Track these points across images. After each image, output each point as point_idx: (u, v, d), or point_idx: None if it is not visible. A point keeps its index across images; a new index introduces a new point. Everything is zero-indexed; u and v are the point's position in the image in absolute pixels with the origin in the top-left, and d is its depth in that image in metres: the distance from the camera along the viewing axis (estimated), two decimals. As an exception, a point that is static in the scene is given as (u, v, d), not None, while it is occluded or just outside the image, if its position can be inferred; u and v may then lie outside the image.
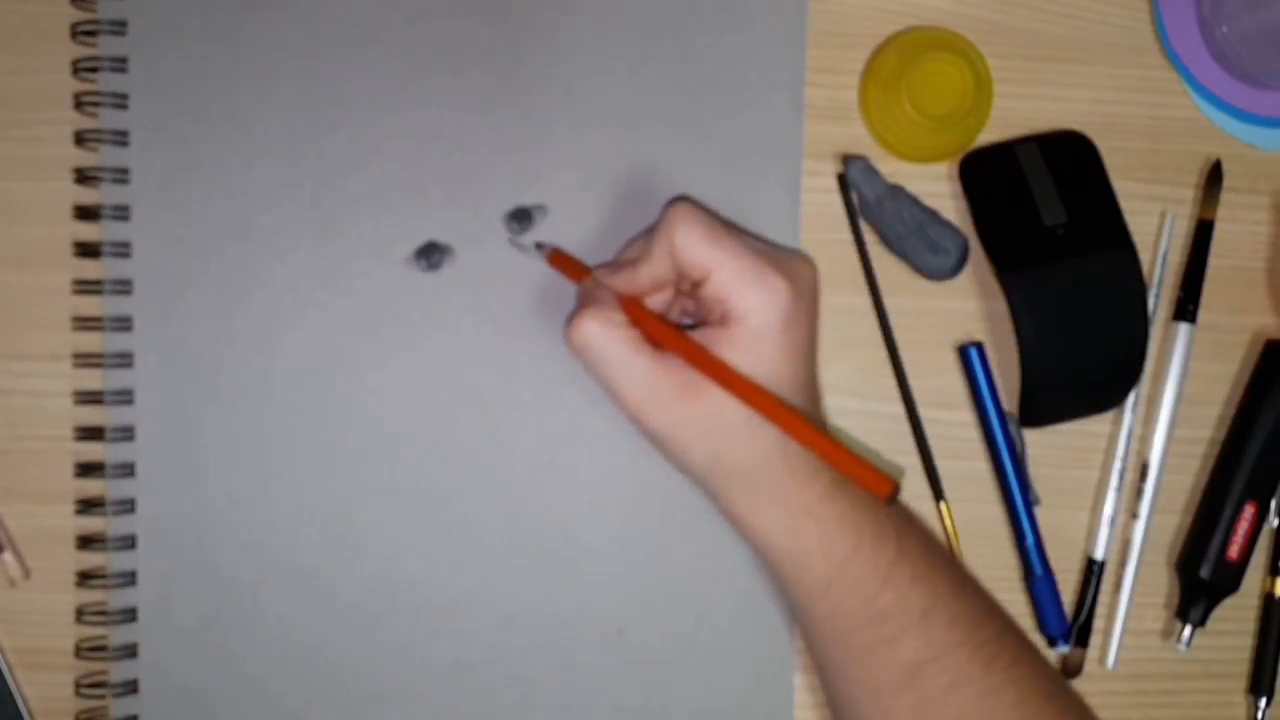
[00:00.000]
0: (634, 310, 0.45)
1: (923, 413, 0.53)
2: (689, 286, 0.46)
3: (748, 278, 0.43)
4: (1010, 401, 0.53)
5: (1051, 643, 0.53)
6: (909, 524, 0.46)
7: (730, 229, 0.45)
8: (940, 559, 0.46)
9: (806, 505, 0.44)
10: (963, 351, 0.52)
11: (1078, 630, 0.53)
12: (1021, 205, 0.51)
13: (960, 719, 0.43)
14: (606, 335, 0.44)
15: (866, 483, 0.42)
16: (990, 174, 0.52)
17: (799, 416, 0.43)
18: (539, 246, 0.50)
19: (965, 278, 0.53)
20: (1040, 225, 0.50)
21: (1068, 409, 0.53)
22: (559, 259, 0.49)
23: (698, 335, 0.44)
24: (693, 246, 0.44)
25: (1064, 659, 0.53)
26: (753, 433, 0.43)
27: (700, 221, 0.44)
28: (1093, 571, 0.53)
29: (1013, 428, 0.52)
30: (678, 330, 0.45)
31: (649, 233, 0.46)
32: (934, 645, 0.44)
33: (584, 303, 0.46)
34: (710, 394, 0.43)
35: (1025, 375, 0.51)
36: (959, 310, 0.53)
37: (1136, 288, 0.51)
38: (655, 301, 0.47)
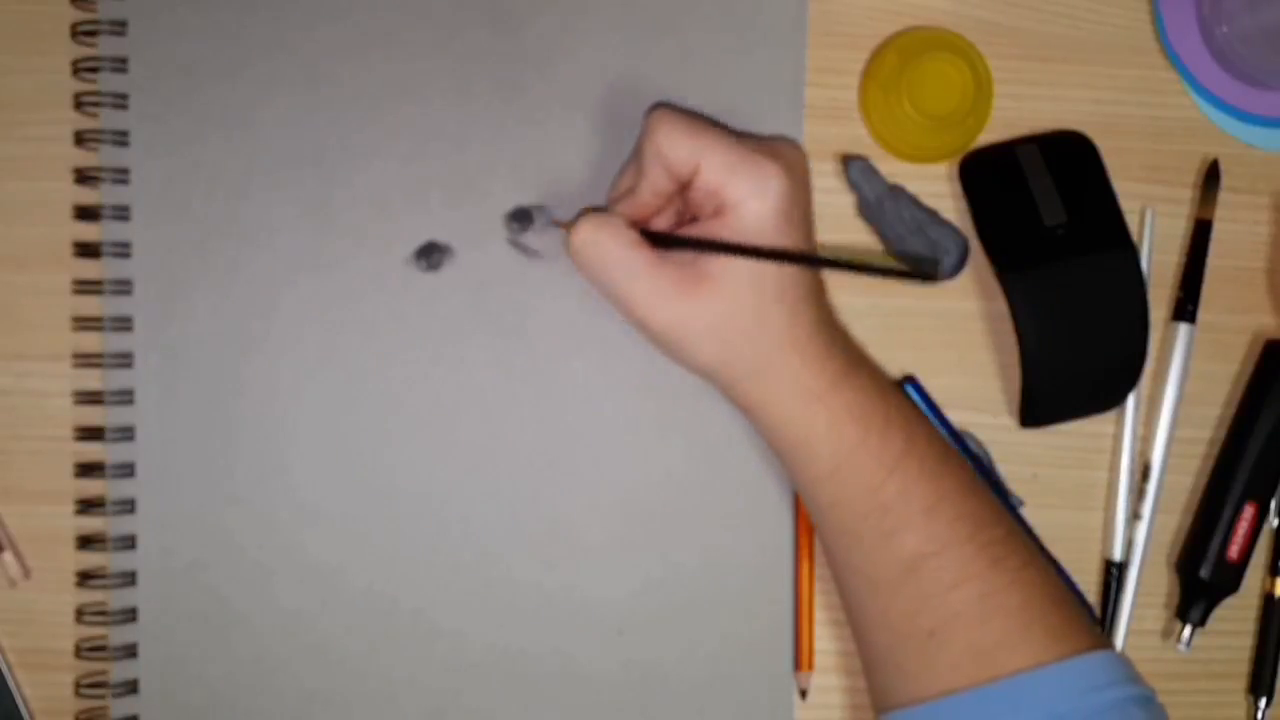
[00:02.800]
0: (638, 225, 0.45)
1: (923, 413, 0.53)
2: (681, 189, 0.46)
3: (737, 166, 0.43)
4: (1011, 402, 0.53)
5: None
6: (919, 422, 0.46)
7: (713, 123, 0.45)
8: (951, 459, 0.46)
9: (816, 392, 0.44)
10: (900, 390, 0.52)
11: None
12: (1021, 205, 0.50)
13: (959, 617, 0.43)
14: (606, 237, 0.44)
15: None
16: (990, 174, 0.52)
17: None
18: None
19: (965, 278, 0.53)
20: (1040, 225, 0.50)
21: (1068, 409, 0.53)
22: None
23: (695, 229, 0.44)
24: (676, 144, 0.43)
25: None
26: (760, 319, 0.43)
27: (680, 119, 0.44)
28: (1111, 575, 0.53)
29: (972, 444, 0.52)
30: (676, 234, 0.45)
31: (635, 155, 0.46)
32: (936, 540, 0.44)
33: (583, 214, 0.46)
34: (716, 283, 0.43)
35: (1025, 375, 0.51)
36: (959, 310, 0.53)
37: (1136, 287, 0.51)
38: (659, 222, 0.47)
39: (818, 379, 0.44)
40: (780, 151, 0.44)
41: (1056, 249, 0.50)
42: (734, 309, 0.43)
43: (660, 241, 0.45)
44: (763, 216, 0.43)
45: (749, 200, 0.43)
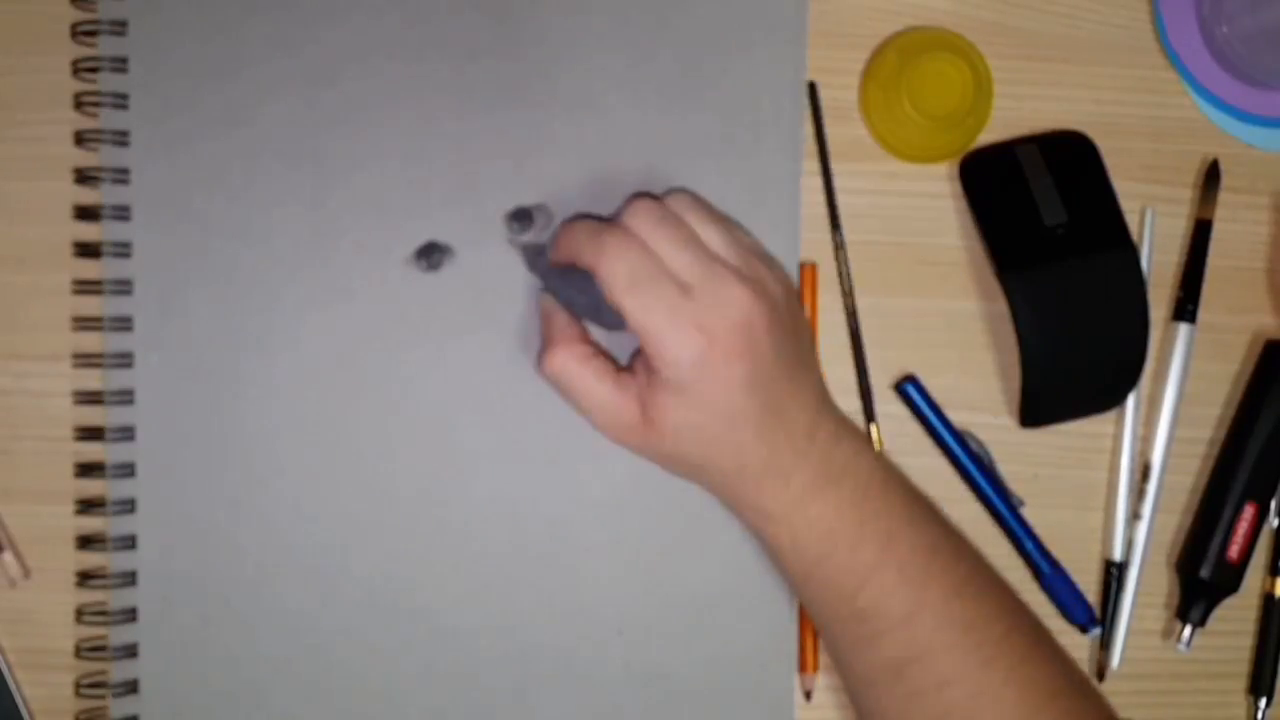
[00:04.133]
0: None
1: (923, 413, 0.53)
2: None
3: (651, 339, 0.44)
4: (1011, 401, 0.53)
5: (1084, 629, 0.53)
6: (906, 525, 0.46)
7: (657, 269, 0.44)
8: (938, 559, 0.45)
9: (775, 514, 0.45)
10: (900, 389, 0.52)
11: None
12: (1022, 205, 0.51)
13: (950, 714, 0.44)
14: (573, 368, 0.46)
15: None
16: (990, 174, 0.52)
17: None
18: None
19: (965, 278, 0.53)
20: (1040, 225, 0.50)
21: (1068, 409, 0.53)
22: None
23: (645, 372, 0.45)
24: (610, 292, 0.44)
25: (1099, 659, 0.53)
26: (717, 449, 0.45)
27: (622, 266, 0.44)
28: (1112, 575, 0.53)
29: (972, 444, 0.52)
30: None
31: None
32: (917, 646, 0.44)
33: (549, 331, 0.48)
34: (657, 428, 0.45)
35: (1025, 375, 0.51)
36: (959, 310, 0.53)
37: (1137, 287, 0.51)
38: None
39: (775, 501, 0.45)
40: (716, 307, 0.43)
41: (1056, 249, 0.50)
42: (678, 450, 0.46)
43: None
44: (685, 382, 0.44)
45: (665, 367, 0.44)
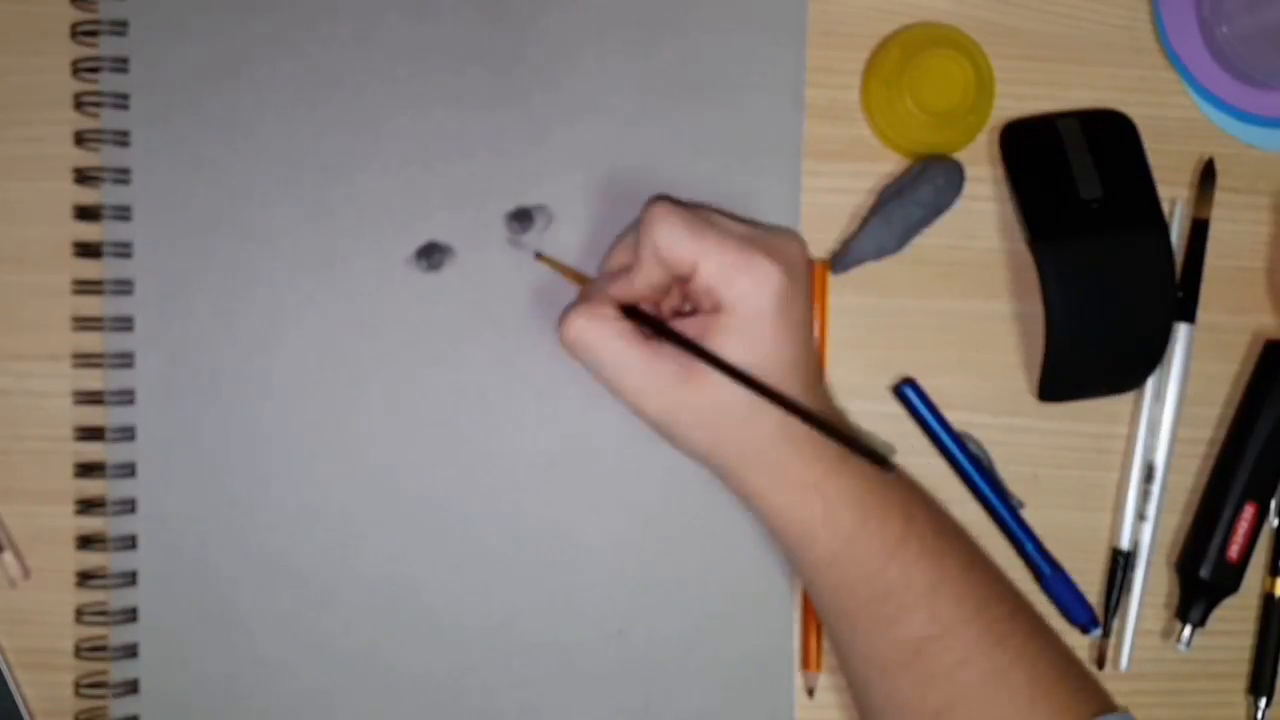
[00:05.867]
0: (629, 310, 0.45)
1: (923, 413, 0.53)
2: (679, 283, 0.46)
3: (733, 267, 0.43)
4: (1031, 376, 0.53)
5: (1085, 630, 0.53)
6: (918, 501, 0.46)
7: (711, 219, 0.45)
8: (951, 536, 0.46)
9: (812, 481, 0.44)
10: (898, 392, 0.52)
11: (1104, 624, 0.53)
12: (1059, 177, 0.51)
13: (965, 696, 0.43)
14: (596, 329, 0.44)
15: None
16: (1030, 145, 0.52)
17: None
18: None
19: (966, 279, 0.53)
20: (1076, 198, 0.50)
21: (1087, 387, 0.52)
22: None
23: (693, 323, 0.44)
24: (675, 245, 0.43)
25: (1099, 647, 0.53)
26: (753, 414, 0.43)
27: (679, 218, 0.44)
28: (1118, 563, 0.53)
29: (972, 445, 0.52)
30: (667, 325, 0.45)
31: (632, 233, 0.46)
32: (939, 621, 0.44)
33: (576, 301, 0.46)
34: (707, 378, 0.43)
35: (1049, 346, 0.50)
36: (959, 310, 0.53)
37: (1166, 269, 0.51)
38: (653, 300, 0.47)
39: (812, 468, 0.44)
40: (779, 249, 0.44)
41: (1090, 223, 0.50)
42: (726, 402, 0.43)
43: (652, 327, 0.45)
44: (759, 317, 0.43)
45: (746, 300, 0.43)
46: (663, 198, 0.48)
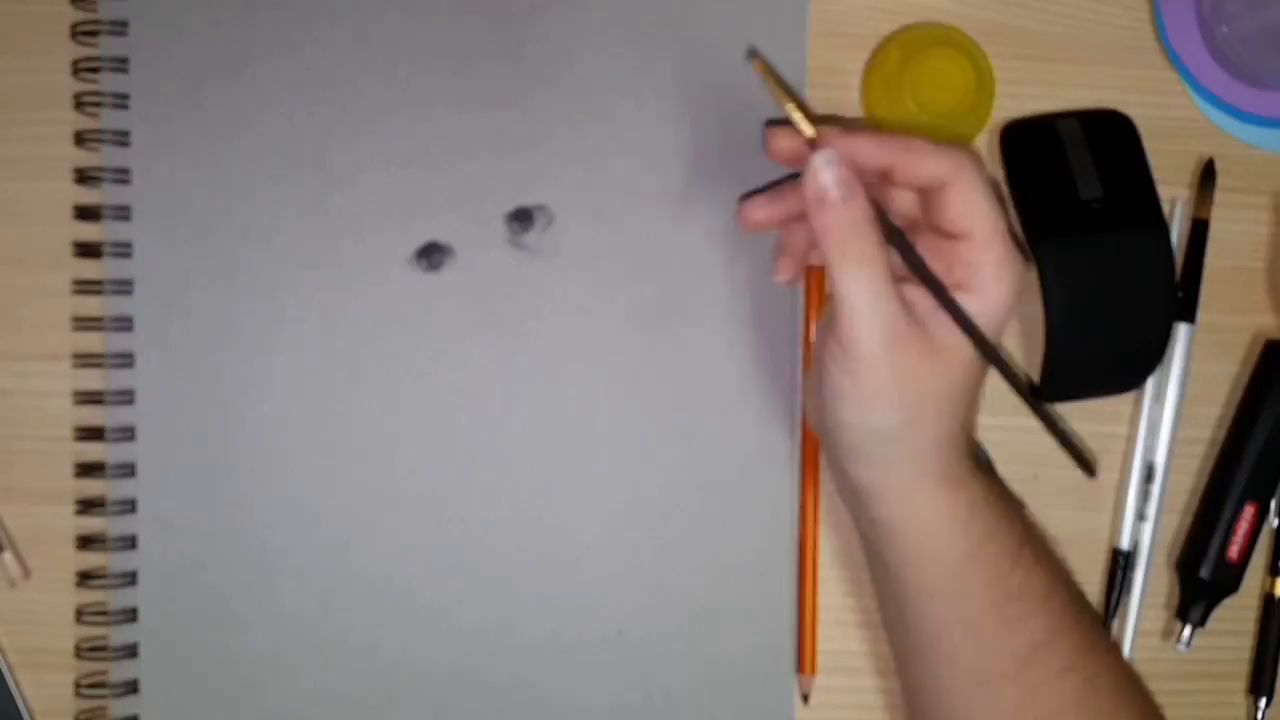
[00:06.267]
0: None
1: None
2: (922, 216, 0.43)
3: (1005, 263, 0.41)
4: (1009, 403, 0.52)
5: None
6: (1022, 507, 0.46)
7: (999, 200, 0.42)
8: (1050, 542, 0.46)
9: (962, 478, 0.43)
10: None
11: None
12: (1058, 177, 0.51)
13: (1066, 705, 0.43)
14: (873, 252, 0.39)
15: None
16: (1030, 144, 0.52)
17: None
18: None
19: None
20: (1076, 198, 0.50)
21: (1088, 387, 0.52)
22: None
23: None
24: (976, 204, 0.41)
25: None
26: (963, 403, 0.42)
27: (986, 182, 0.41)
28: (1118, 563, 0.53)
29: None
30: (928, 269, 0.41)
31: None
32: (1052, 628, 0.44)
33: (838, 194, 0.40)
34: (952, 356, 0.41)
35: (1050, 347, 0.50)
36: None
37: (1166, 269, 0.51)
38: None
39: (963, 464, 0.43)
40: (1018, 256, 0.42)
41: (1090, 223, 0.50)
42: (948, 386, 0.41)
43: (909, 265, 0.41)
44: (995, 314, 0.41)
45: (996, 297, 0.41)
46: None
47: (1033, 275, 0.51)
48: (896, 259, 0.42)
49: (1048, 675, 0.43)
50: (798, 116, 0.42)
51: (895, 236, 0.41)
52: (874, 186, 0.42)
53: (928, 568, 0.44)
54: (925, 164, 0.41)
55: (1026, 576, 0.44)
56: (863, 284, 0.39)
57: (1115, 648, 0.46)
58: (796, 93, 0.44)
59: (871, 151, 0.41)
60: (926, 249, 0.42)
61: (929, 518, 0.43)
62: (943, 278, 0.41)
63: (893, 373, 0.40)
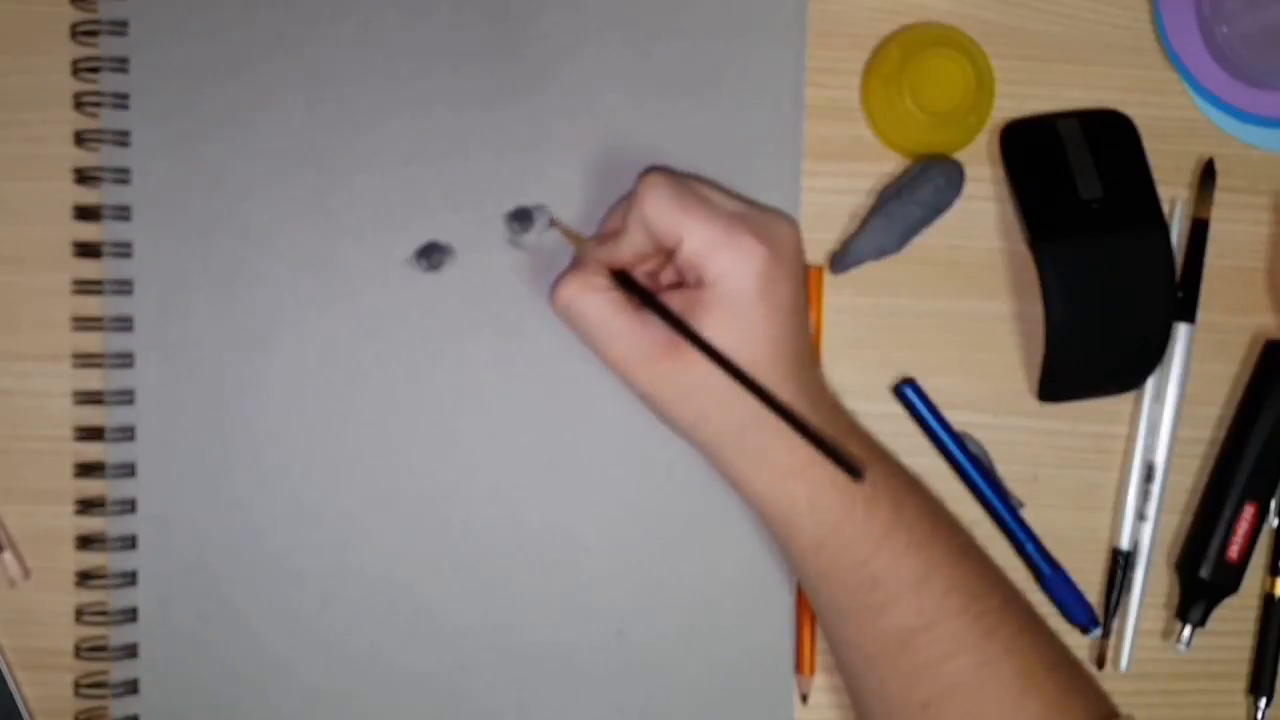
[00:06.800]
0: (619, 276, 0.45)
1: (923, 413, 0.53)
2: (667, 254, 0.46)
3: (719, 243, 0.43)
4: (1031, 376, 0.53)
5: (1085, 630, 0.53)
6: (909, 492, 0.46)
7: (702, 194, 0.45)
8: (942, 527, 0.46)
9: (796, 468, 0.44)
10: (898, 392, 0.52)
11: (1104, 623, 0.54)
12: (1059, 177, 0.51)
13: (953, 689, 0.43)
14: (586, 298, 0.45)
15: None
16: (1030, 145, 0.52)
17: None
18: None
19: (966, 279, 0.53)
20: (1076, 199, 0.50)
21: (1087, 387, 0.52)
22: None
23: (679, 296, 0.44)
24: (662, 216, 0.43)
25: (1099, 648, 0.53)
26: (733, 395, 0.43)
27: (669, 190, 0.44)
28: (1118, 563, 0.53)
29: (972, 445, 0.52)
30: (655, 295, 0.44)
31: (626, 201, 0.46)
32: (927, 613, 0.44)
33: (569, 268, 0.47)
34: (691, 352, 0.43)
35: (1050, 346, 0.50)
36: (959, 310, 0.53)
37: (1166, 269, 0.51)
38: (644, 268, 0.47)
39: (795, 454, 0.43)
40: (767, 229, 0.44)
41: (1090, 223, 0.50)
42: (707, 378, 0.43)
43: (640, 297, 0.45)
44: (740, 296, 0.43)
45: (726, 278, 0.43)
46: (658, 168, 0.48)
47: (1033, 275, 0.51)
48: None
49: (930, 659, 0.43)
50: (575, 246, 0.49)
51: (628, 283, 0.45)
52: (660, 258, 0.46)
53: (787, 549, 0.46)
54: (636, 238, 0.45)
55: (892, 562, 0.43)
56: (593, 325, 0.45)
57: (1032, 631, 0.45)
58: (580, 235, 0.49)
59: (616, 250, 0.45)
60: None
61: (768, 506, 0.45)
62: (694, 289, 0.44)
63: (646, 376, 0.44)
